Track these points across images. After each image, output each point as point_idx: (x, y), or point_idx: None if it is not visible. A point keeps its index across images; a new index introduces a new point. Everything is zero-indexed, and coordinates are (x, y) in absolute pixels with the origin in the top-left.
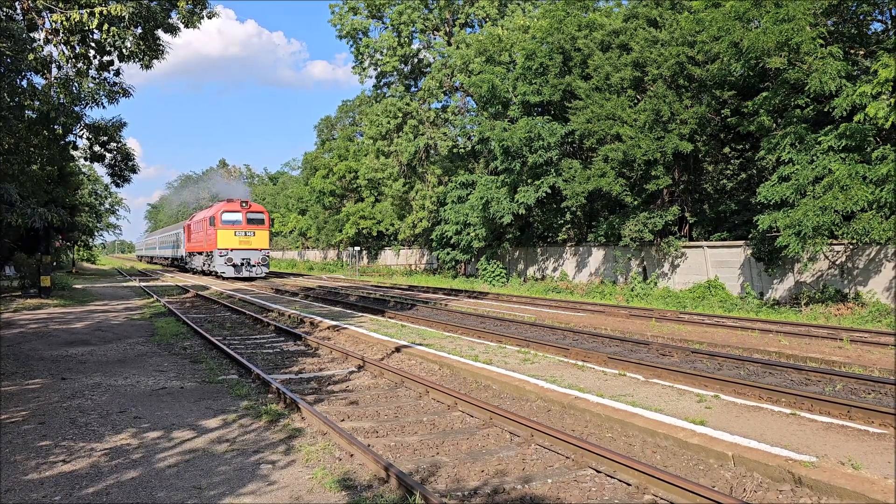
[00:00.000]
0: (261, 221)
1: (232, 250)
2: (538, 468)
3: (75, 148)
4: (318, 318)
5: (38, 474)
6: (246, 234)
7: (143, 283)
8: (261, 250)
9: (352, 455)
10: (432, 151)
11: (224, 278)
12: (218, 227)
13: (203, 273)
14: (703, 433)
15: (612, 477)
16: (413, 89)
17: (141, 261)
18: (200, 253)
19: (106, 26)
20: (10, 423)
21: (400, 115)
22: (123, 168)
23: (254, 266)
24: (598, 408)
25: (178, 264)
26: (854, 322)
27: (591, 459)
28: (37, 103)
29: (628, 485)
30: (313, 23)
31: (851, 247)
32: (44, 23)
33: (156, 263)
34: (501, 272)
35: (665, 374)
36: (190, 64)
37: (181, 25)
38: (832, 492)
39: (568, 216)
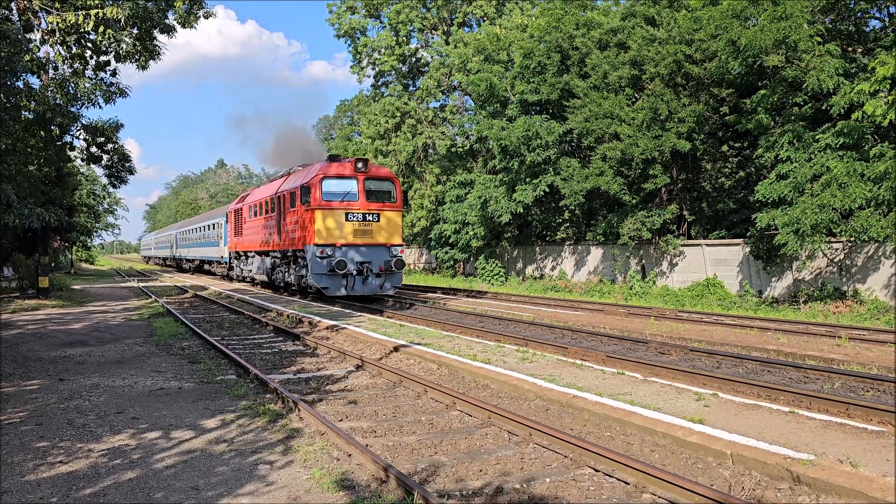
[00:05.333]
0: (389, 196)
1: (340, 247)
2: (537, 467)
3: (72, 149)
4: (317, 318)
5: (35, 475)
6: (366, 219)
7: (141, 284)
8: (390, 247)
9: (350, 455)
10: (430, 151)
11: (326, 297)
12: (316, 204)
13: (270, 285)
14: (701, 431)
15: (610, 476)
16: (411, 88)
17: (148, 262)
18: (266, 253)
19: (102, 28)
20: (8, 424)
21: (398, 114)
22: (121, 169)
23: (379, 276)
24: (596, 406)
25: (221, 270)
26: (853, 320)
27: (589, 458)
28: (33, 104)
29: (627, 483)
30: (314, 23)
31: (850, 244)
32: (40, 23)
33: (169, 265)
34: (500, 271)
35: (663, 373)
36: (189, 64)
37: (178, 26)
38: (831, 490)
39: (566, 215)
